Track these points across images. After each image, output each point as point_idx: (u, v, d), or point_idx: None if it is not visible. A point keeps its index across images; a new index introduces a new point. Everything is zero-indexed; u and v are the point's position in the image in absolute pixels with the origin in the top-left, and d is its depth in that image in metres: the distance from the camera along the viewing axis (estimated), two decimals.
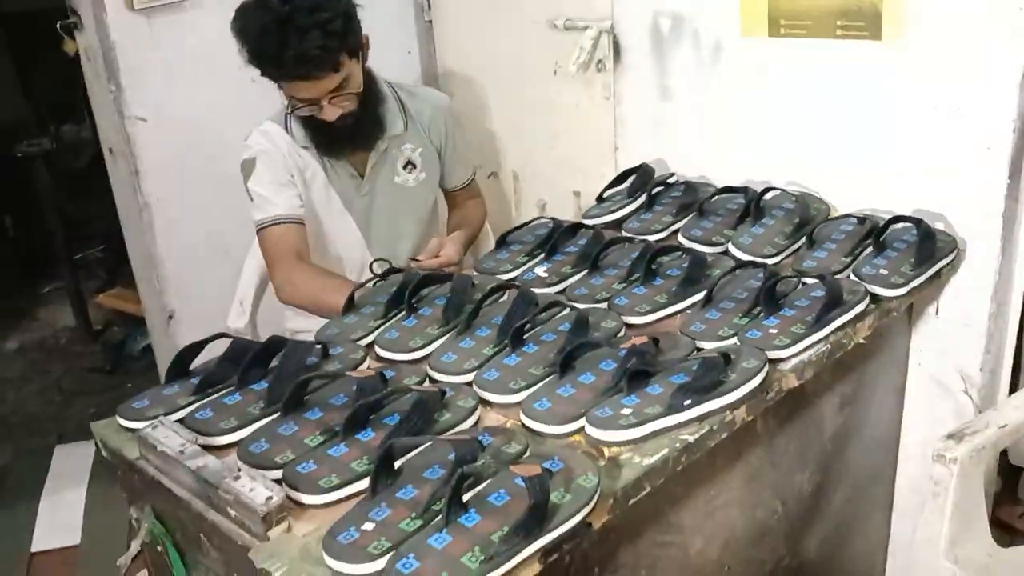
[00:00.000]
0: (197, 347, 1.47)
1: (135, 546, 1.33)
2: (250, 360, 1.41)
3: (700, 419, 1.29)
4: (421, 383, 1.40)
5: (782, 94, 1.94)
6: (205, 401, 1.37)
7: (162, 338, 2.76)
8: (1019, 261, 1.75)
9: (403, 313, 1.60)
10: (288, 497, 1.14)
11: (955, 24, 1.65)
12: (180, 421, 1.32)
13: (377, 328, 1.58)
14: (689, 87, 2.09)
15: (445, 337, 1.53)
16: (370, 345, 1.55)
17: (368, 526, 1.09)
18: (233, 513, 1.15)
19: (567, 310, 1.54)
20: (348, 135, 1.92)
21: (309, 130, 1.94)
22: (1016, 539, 1.89)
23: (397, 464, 1.18)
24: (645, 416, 1.25)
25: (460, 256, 2.06)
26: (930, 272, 1.64)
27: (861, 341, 1.55)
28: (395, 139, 2.04)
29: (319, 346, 1.48)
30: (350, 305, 1.66)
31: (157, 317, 2.72)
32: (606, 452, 1.24)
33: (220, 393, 1.39)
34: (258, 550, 1.11)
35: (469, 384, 1.40)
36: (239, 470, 1.17)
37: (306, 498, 1.16)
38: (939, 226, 1.74)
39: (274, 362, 1.43)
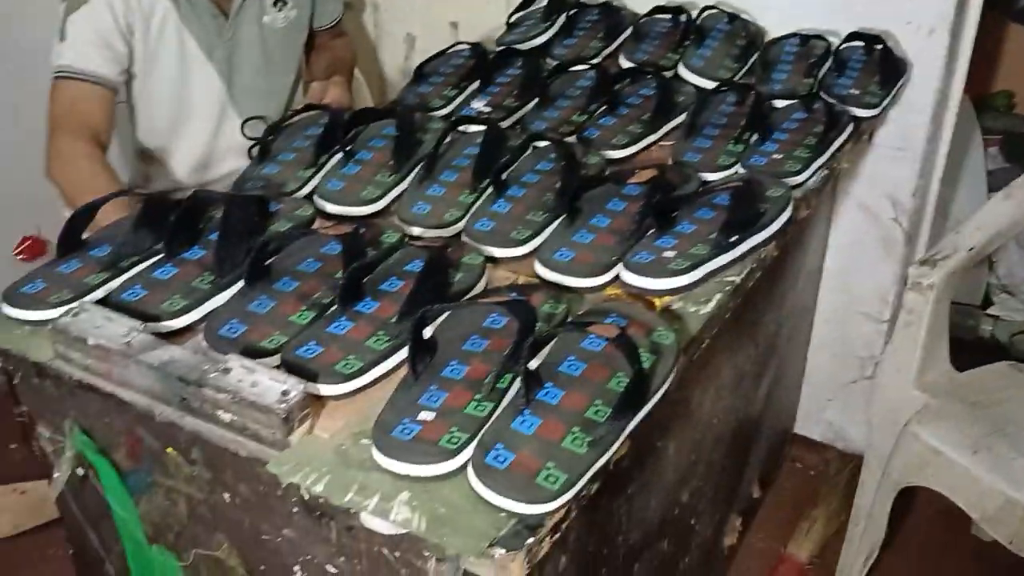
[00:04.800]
0: (90, 210, 1.12)
1: (62, 475, 1.01)
2: (178, 221, 1.08)
3: (742, 258, 1.13)
4: (402, 240, 1.14)
5: None
6: (128, 277, 1.05)
7: None
8: (958, 80, 1.71)
9: (339, 159, 1.31)
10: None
11: None
12: (103, 303, 0.99)
13: (311, 178, 1.29)
14: None
15: (404, 184, 1.27)
16: (308, 198, 1.26)
17: (426, 416, 0.85)
18: (230, 418, 0.87)
19: (543, 145, 1.32)
20: None
21: None
22: None
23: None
24: (694, 258, 1.08)
25: (350, 101, 1.76)
26: (894, 91, 1.55)
27: (845, 165, 1.45)
28: None
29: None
30: (264, 152, 1.34)
31: None
32: (657, 303, 1.06)
33: (144, 266, 1.07)
34: (280, 461, 0.85)
35: (456, 237, 1.16)
36: (226, 360, 0.89)
37: (325, 388, 0.90)
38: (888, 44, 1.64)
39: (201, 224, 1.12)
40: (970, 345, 2.22)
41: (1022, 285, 2.31)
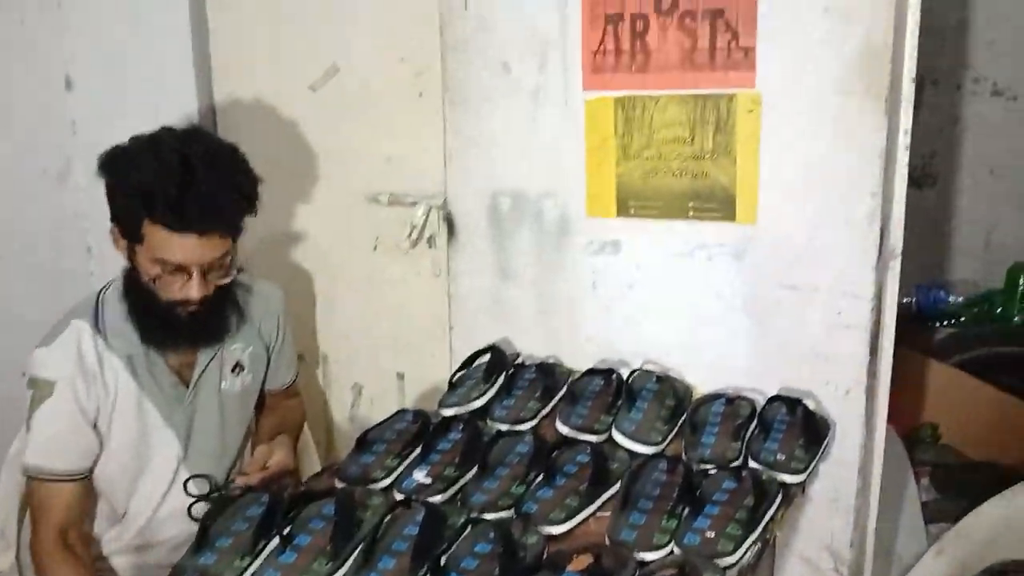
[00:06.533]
0: None
1: None
2: None
3: None
4: None
5: (632, 273, 1.90)
6: None
7: None
8: (879, 433, 1.79)
9: (276, 544, 1.31)
10: None
11: (809, 208, 1.71)
12: None
13: (247, 569, 1.28)
14: (532, 265, 2.01)
15: (341, 572, 1.26)
16: None
17: None
18: None
19: (480, 526, 1.34)
20: (197, 330, 1.62)
21: (143, 323, 1.61)
22: None
23: None
24: None
25: (295, 463, 1.78)
26: (819, 453, 1.62)
27: (778, 533, 1.48)
28: (227, 339, 1.76)
29: None
30: (203, 536, 1.34)
31: None
32: None
33: None
34: None
35: None
36: None
37: None
38: (808, 404, 1.74)
39: None
40: None
41: None
